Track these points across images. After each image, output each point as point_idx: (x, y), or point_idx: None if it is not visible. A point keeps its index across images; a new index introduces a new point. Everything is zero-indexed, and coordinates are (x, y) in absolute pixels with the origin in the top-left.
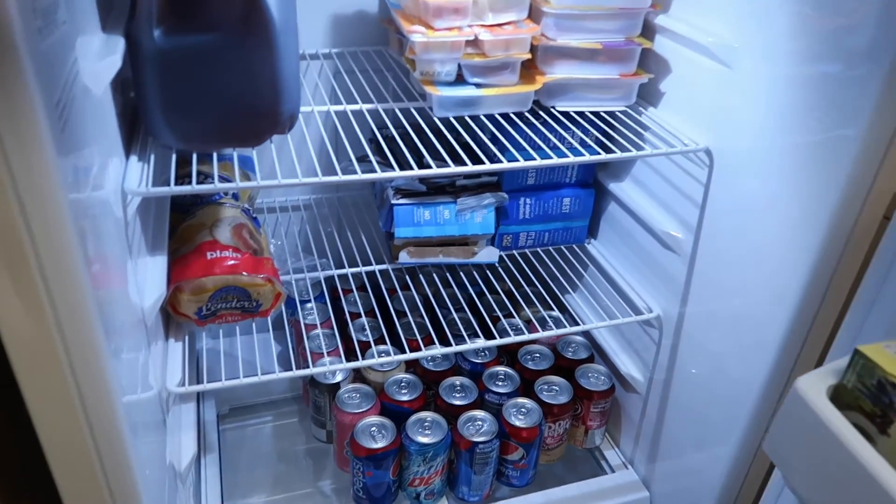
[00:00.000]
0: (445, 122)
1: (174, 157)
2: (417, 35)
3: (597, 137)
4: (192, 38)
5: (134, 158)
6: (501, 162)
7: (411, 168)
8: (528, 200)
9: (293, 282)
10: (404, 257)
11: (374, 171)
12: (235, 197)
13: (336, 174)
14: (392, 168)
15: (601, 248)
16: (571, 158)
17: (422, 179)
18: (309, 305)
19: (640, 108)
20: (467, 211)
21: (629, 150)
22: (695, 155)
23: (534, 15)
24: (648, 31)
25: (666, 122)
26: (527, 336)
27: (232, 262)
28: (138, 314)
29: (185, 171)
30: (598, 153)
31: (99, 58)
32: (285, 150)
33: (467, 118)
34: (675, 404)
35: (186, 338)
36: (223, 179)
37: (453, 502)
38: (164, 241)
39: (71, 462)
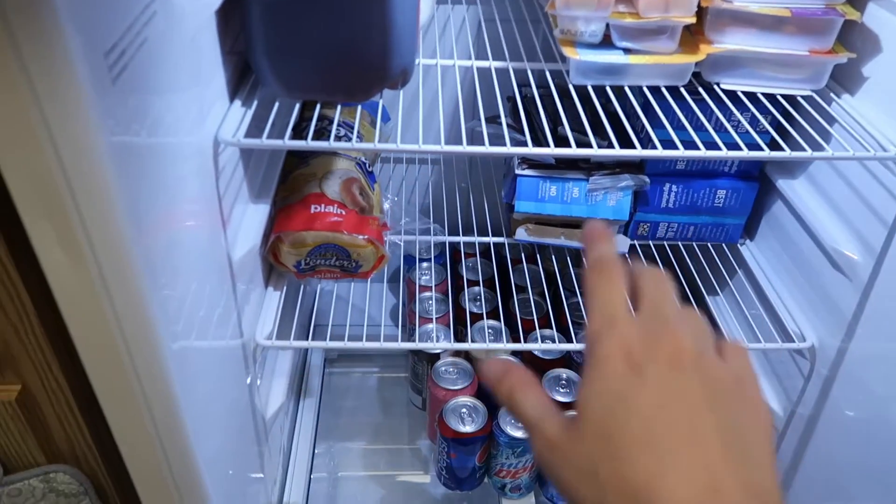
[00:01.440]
0: (594, 87)
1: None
2: None
3: (770, 123)
4: None
5: (237, 104)
6: (655, 147)
7: (545, 138)
8: (674, 187)
9: (416, 240)
10: (521, 234)
11: (502, 143)
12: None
13: (462, 137)
14: (523, 135)
15: (756, 252)
16: (736, 153)
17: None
18: (426, 265)
19: (831, 95)
20: (600, 191)
21: (803, 150)
22: (894, 163)
23: None
24: None
25: (861, 117)
26: None
27: (334, 218)
28: (222, 262)
29: (309, 113)
30: (762, 149)
31: None
32: (414, 100)
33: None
34: (818, 447)
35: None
36: (345, 125)
37: (540, 500)
38: (271, 189)
39: (119, 402)
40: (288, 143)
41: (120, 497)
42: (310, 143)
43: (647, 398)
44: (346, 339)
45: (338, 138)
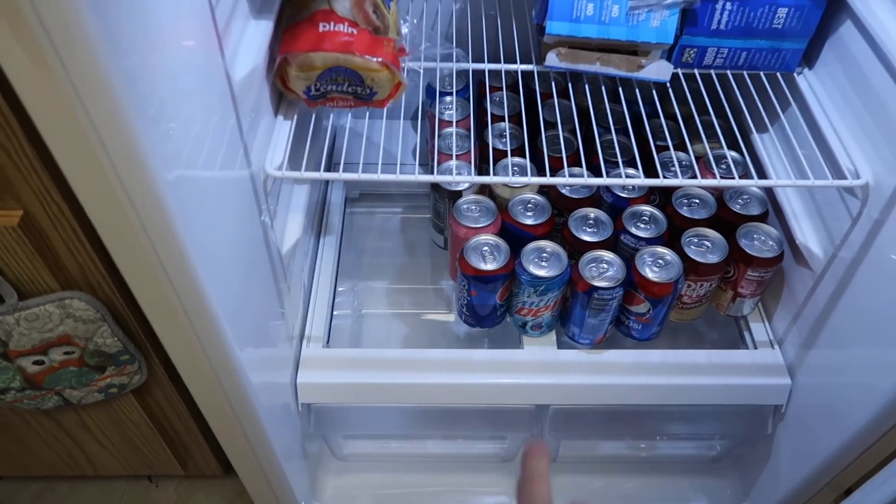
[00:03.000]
0: None
1: None
2: None
3: None
4: None
5: None
6: None
7: None
8: (728, 5)
9: (437, 66)
10: (552, 60)
11: None
12: None
13: None
14: None
15: (815, 82)
16: None
17: None
18: (448, 99)
19: None
20: (643, 9)
21: None
22: None
23: None
24: None
25: None
26: (698, 181)
27: (345, 38)
28: (219, 82)
29: None
30: None
31: None
32: None
33: None
34: (856, 292)
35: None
36: None
37: (562, 339)
38: (274, 3)
39: (117, 232)
40: None
41: (139, 323)
42: None
43: None
44: (360, 170)
45: None
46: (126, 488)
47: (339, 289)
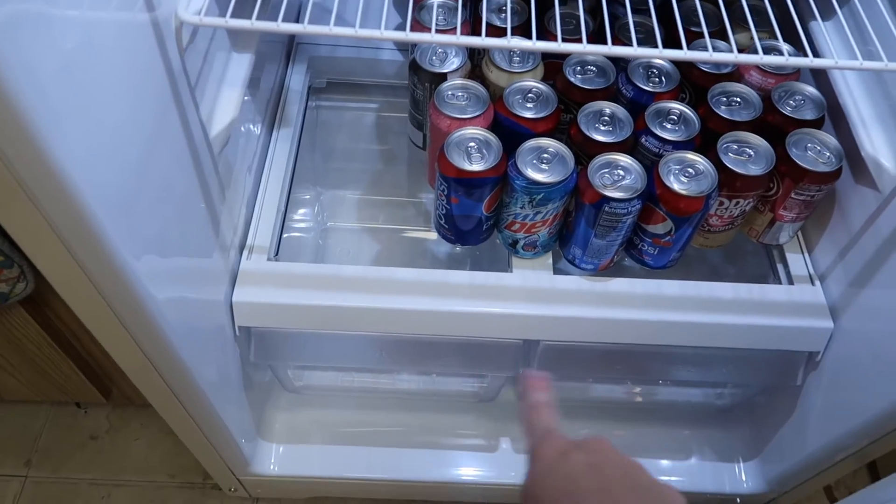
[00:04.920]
0: None
1: None
2: None
3: None
4: None
5: None
6: None
7: None
8: None
9: None
10: None
11: None
12: None
13: None
14: None
15: None
16: None
17: None
18: None
19: None
20: None
21: None
22: None
23: None
24: None
25: None
26: (733, 57)
27: None
28: None
29: None
30: None
31: None
32: None
33: None
34: None
35: None
36: None
37: (559, 263)
38: None
39: None
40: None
41: None
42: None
43: (572, 468)
44: (306, 21)
45: None
46: (50, 414)
47: (304, 196)
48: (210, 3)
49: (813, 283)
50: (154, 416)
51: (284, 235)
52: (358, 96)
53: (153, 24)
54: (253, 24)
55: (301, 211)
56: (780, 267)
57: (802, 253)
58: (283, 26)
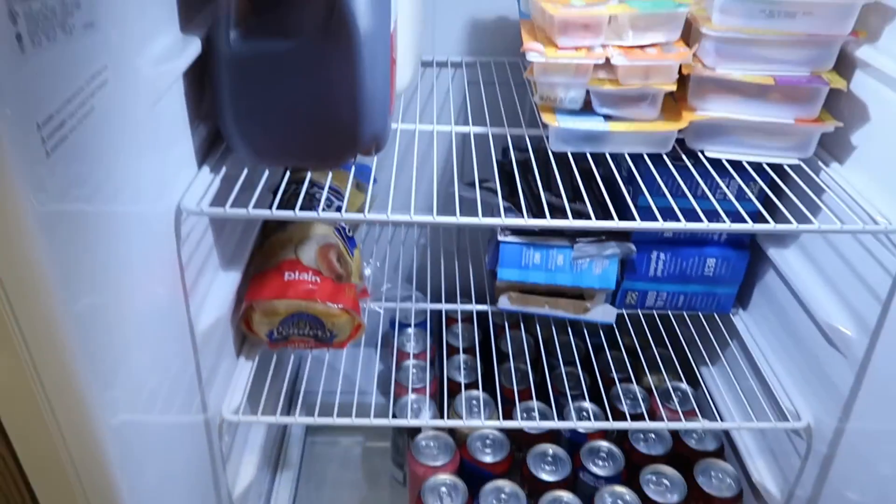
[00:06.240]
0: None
1: None
2: (534, 54)
3: (756, 192)
4: (267, 43)
5: (206, 170)
6: (634, 218)
7: (534, 206)
8: (661, 256)
9: (397, 307)
10: (504, 302)
11: (489, 210)
12: (339, 209)
13: (456, 208)
14: (516, 206)
15: (749, 322)
16: (719, 226)
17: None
18: (409, 331)
19: (820, 164)
20: (584, 259)
21: (789, 222)
22: (886, 237)
23: (688, 37)
24: (845, 65)
25: (851, 187)
26: (646, 424)
27: (309, 286)
28: (181, 332)
29: (299, 175)
30: (747, 221)
31: (161, 61)
32: (407, 161)
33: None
34: None
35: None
36: (335, 191)
37: None
38: (245, 255)
39: (49, 478)
40: (252, 212)
41: None
42: (274, 213)
43: None
44: (316, 414)
45: (328, 205)
46: None
47: None
48: (245, 401)
49: None
50: None
51: None
52: (348, 433)
53: (205, 422)
54: (277, 419)
55: None
56: None
57: None
58: (299, 420)
